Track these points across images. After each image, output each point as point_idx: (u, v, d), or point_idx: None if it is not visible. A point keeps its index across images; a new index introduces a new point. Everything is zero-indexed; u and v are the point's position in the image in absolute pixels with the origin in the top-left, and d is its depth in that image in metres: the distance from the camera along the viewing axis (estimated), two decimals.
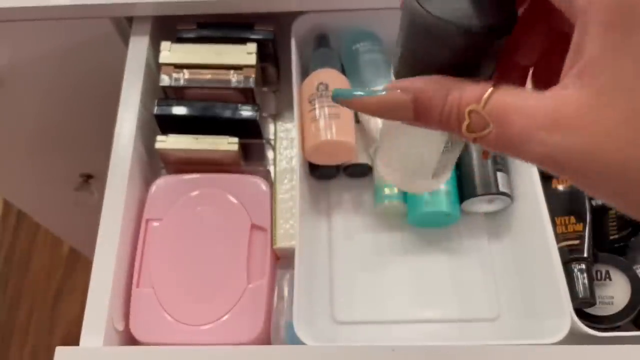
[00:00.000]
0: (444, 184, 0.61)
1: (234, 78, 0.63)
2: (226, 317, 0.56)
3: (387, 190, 0.63)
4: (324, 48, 0.67)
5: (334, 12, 0.67)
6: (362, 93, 0.29)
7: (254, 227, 0.60)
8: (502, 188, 0.61)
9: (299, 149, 0.62)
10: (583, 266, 0.57)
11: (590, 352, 0.50)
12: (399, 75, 0.30)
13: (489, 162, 0.62)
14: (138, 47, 0.67)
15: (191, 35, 0.67)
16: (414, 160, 0.36)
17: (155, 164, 0.66)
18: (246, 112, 0.63)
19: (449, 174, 0.37)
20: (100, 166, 0.63)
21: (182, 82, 0.64)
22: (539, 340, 0.51)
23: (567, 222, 0.60)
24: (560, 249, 0.56)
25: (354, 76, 0.65)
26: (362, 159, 0.65)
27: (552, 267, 0.55)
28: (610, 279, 0.58)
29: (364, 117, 0.63)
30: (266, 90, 0.71)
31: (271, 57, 0.69)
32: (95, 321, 0.52)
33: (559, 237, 0.59)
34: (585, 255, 0.58)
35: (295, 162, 0.63)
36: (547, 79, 0.27)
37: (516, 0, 0.28)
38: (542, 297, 0.57)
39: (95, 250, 0.56)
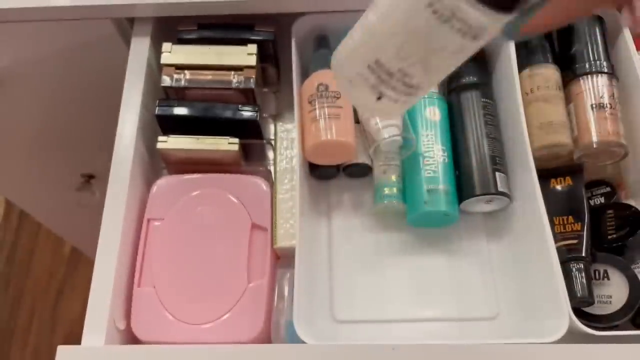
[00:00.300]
0: (443, 184, 0.62)
1: (234, 79, 0.64)
2: (227, 316, 0.56)
3: (386, 190, 0.64)
4: (324, 49, 0.67)
5: (334, 13, 0.67)
6: None
7: (254, 226, 0.60)
8: (500, 188, 0.61)
9: (299, 149, 0.62)
10: (581, 265, 0.57)
11: (588, 351, 0.50)
12: None
13: (488, 162, 0.62)
14: (139, 48, 0.67)
15: (192, 36, 0.67)
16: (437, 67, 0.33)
17: (156, 164, 0.67)
18: (247, 113, 0.63)
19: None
20: (101, 166, 0.63)
21: (183, 83, 0.64)
22: (537, 339, 0.52)
23: (565, 221, 0.60)
24: (559, 249, 0.56)
25: None
26: (362, 159, 0.65)
27: (551, 266, 0.55)
28: (608, 279, 0.58)
29: (364, 117, 0.63)
30: (266, 90, 0.71)
31: (271, 58, 0.69)
32: (97, 320, 0.53)
33: (557, 237, 0.59)
34: (584, 254, 0.58)
35: (296, 162, 0.63)
36: None
37: None
38: (540, 297, 0.57)
39: (97, 250, 0.56)
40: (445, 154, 0.63)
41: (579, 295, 0.56)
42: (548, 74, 0.64)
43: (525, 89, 0.64)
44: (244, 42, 0.65)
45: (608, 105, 0.62)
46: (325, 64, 0.65)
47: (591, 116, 0.62)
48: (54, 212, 1.22)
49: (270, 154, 0.68)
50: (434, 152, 0.63)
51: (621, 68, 0.65)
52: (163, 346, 0.53)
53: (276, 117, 0.70)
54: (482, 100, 0.66)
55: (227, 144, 0.62)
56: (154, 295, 0.57)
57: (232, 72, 0.64)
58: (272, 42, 0.67)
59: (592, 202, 0.65)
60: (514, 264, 0.63)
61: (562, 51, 0.67)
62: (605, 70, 0.63)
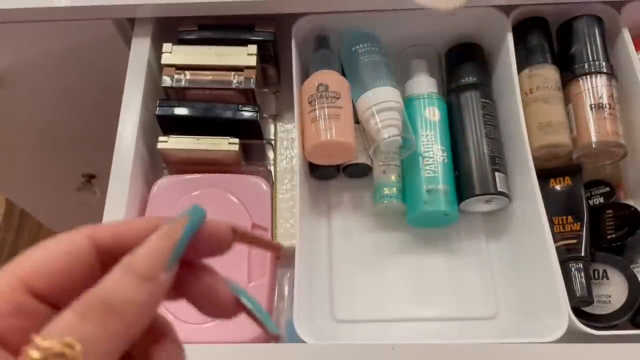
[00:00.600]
0: (443, 184, 0.62)
1: (234, 79, 0.64)
2: None
3: (386, 190, 0.64)
4: (324, 49, 0.67)
5: (334, 13, 0.67)
6: None
7: (254, 226, 0.60)
8: (500, 188, 0.62)
9: (299, 149, 0.62)
10: (580, 265, 0.57)
11: (587, 350, 0.50)
12: None
13: (487, 162, 0.63)
14: (140, 48, 0.67)
15: (192, 36, 0.68)
16: None
17: (156, 164, 0.67)
18: (247, 113, 0.63)
19: None
20: (102, 166, 0.63)
21: (183, 83, 0.64)
22: (536, 339, 0.52)
23: (564, 221, 0.61)
24: (558, 248, 0.56)
25: (353, 77, 0.65)
26: (362, 159, 0.65)
27: (550, 266, 0.55)
28: (607, 278, 0.59)
29: (364, 118, 0.63)
30: (267, 91, 0.72)
31: (272, 58, 0.69)
32: None
33: (556, 237, 0.59)
34: (583, 254, 0.58)
35: (296, 162, 0.63)
36: None
37: None
38: (539, 296, 0.57)
39: None
40: (445, 154, 0.63)
41: (578, 294, 0.56)
42: (547, 74, 0.64)
43: (525, 89, 0.64)
44: (244, 42, 0.65)
45: (607, 106, 0.62)
46: (326, 64, 0.65)
47: (590, 116, 0.62)
48: (55, 211, 1.22)
49: (270, 154, 0.68)
50: (433, 152, 0.63)
51: (620, 68, 0.65)
52: None
53: (276, 117, 0.70)
54: (482, 100, 0.66)
55: (227, 144, 0.62)
56: None
57: (233, 73, 0.64)
58: (272, 42, 0.67)
59: (591, 202, 0.65)
60: (514, 263, 0.63)
61: (561, 51, 0.67)
62: (605, 70, 0.63)
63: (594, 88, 0.62)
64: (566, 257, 0.58)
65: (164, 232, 0.25)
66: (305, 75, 0.66)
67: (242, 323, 0.57)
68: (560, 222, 0.61)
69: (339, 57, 0.68)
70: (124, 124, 0.63)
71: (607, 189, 0.65)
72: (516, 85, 0.63)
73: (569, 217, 0.61)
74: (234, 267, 0.58)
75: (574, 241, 0.59)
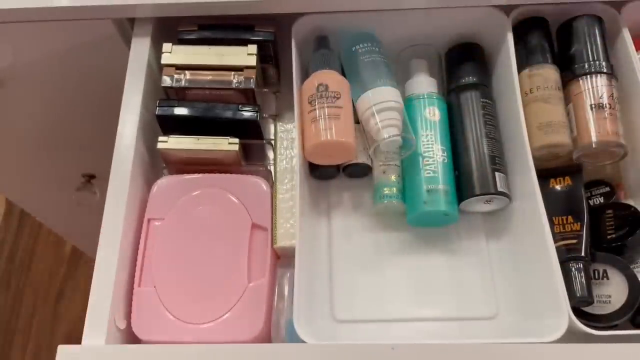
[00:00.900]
0: (443, 184, 0.62)
1: (234, 79, 0.64)
2: (227, 315, 0.56)
3: (386, 190, 0.64)
4: (324, 49, 0.67)
5: (333, 13, 0.67)
6: None
7: (254, 226, 0.60)
8: (500, 188, 0.62)
9: (299, 149, 0.62)
10: (580, 265, 0.57)
11: (587, 350, 0.50)
12: None
13: (487, 162, 0.63)
14: (140, 48, 0.67)
15: (192, 36, 0.68)
16: None
17: (156, 164, 0.67)
18: (247, 113, 0.63)
19: None
20: (102, 166, 0.63)
21: (183, 83, 0.64)
22: (537, 339, 0.52)
23: (564, 221, 0.61)
24: (558, 249, 0.56)
25: (353, 77, 0.65)
26: (362, 159, 0.65)
27: (550, 266, 0.55)
28: (607, 278, 0.59)
29: (364, 117, 0.63)
30: (267, 91, 0.72)
31: (271, 58, 0.69)
32: (98, 320, 0.53)
33: (556, 237, 0.59)
34: (583, 254, 0.58)
35: (296, 162, 0.63)
36: None
37: None
38: (540, 296, 0.57)
39: (98, 250, 0.56)
40: (445, 154, 0.63)
41: (578, 294, 0.56)
42: (547, 74, 0.64)
43: (525, 89, 0.64)
44: (244, 42, 0.65)
45: (607, 106, 0.62)
46: (326, 64, 0.65)
47: (590, 116, 0.62)
48: (54, 212, 1.22)
49: (270, 154, 0.68)
50: (433, 152, 0.63)
51: (620, 68, 0.65)
52: (163, 346, 0.54)
53: (276, 117, 0.70)
54: (482, 100, 0.66)
55: (227, 144, 0.62)
56: (154, 294, 0.57)
57: (232, 73, 0.64)
58: (272, 42, 0.67)
59: (591, 202, 0.65)
60: (514, 263, 0.63)
61: (561, 51, 0.67)
62: (605, 70, 0.63)
63: (594, 88, 0.62)
64: (566, 257, 0.58)
65: None
66: (305, 75, 0.66)
67: (242, 323, 0.57)
68: (560, 222, 0.61)
69: (339, 57, 0.68)
70: (124, 124, 0.63)
71: (607, 189, 0.65)
72: (516, 85, 0.63)
73: (569, 217, 0.61)
74: (233, 267, 0.58)
75: (574, 241, 0.59)
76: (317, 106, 0.61)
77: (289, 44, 0.66)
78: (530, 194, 0.59)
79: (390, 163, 0.65)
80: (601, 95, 0.62)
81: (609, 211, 0.61)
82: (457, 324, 0.61)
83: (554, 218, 0.60)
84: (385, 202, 0.64)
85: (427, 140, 0.64)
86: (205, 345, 0.53)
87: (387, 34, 0.68)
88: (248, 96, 0.65)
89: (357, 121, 0.64)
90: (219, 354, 0.52)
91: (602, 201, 0.65)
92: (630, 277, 0.57)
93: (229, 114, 0.64)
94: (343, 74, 0.66)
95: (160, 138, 0.63)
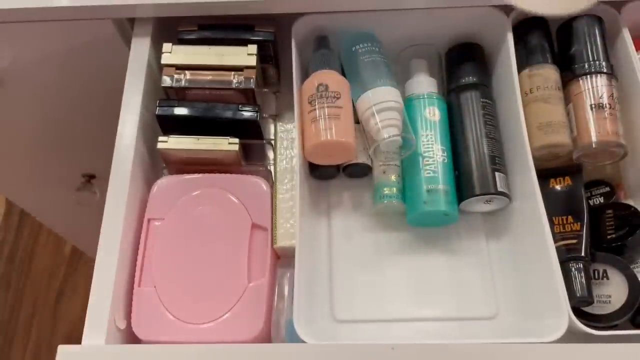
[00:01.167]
0: (443, 184, 0.62)
1: (234, 79, 0.64)
2: (227, 315, 0.56)
3: (386, 190, 0.64)
4: (324, 49, 0.67)
5: (333, 13, 0.67)
6: None
7: (254, 226, 0.60)
8: (500, 188, 0.62)
9: (299, 149, 0.62)
10: (580, 265, 0.57)
11: (587, 350, 0.50)
12: None
13: (487, 162, 0.63)
14: (140, 48, 0.67)
15: (192, 36, 0.68)
16: None
17: (156, 164, 0.67)
18: (247, 113, 0.63)
19: None
20: (102, 166, 0.63)
21: (183, 83, 0.64)
22: (537, 339, 0.52)
23: (564, 221, 0.61)
24: (558, 249, 0.56)
25: (353, 77, 0.65)
26: (362, 159, 0.66)
27: (550, 266, 0.55)
28: (607, 278, 0.59)
29: (364, 117, 0.63)
30: (267, 91, 0.72)
31: (272, 58, 0.69)
32: (98, 320, 0.53)
33: (556, 237, 0.59)
34: (583, 254, 0.58)
35: (296, 162, 0.63)
36: None
37: None
38: (540, 296, 0.57)
39: (98, 250, 0.56)
40: (445, 154, 0.63)
41: (578, 294, 0.56)
42: (547, 74, 0.64)
43: (525, 89, 0.64)
44: (244, 42, 0.65)
45: (607, 106, 0.62)
46: (326, 64, 0.65)
47: (590, 116, 0.62)
48: (54, 211, 1.22)
49: (270, 154, 0.68)
50: (433, 152, 0.63)
51: (620, 68, 0.65)
52: (163, 346, 0.54)
53: (276, 117, 0.70)
54: (482, 100, 0.66)
55: (227, 144, 0.62)
56: (154, 294, 0.57)
57: (232, 73, 0.64)
58: (272, 42, 0.67)
59: (591, 202, 0.65)
60: (514, 263, 0.63)
61: (561, 51, 0.67)
62: (605, 70, 0.63)
63: (594, 88, 0.63)
64: (566, 257, 0.58)
65: None
66: (305, 75, 0.66)
67: (242, 323, 0.57)
68: (560, 222, 0.61)
69: (339, 57, 0.68)
70: (124, 124, 0.63)
71: (607, 189, 0.65)
72: (516, 85, 0.63)
73: (569, 217, 0.61)
74: (233, 267, 0.58)
75: (574, 241, 0.59)
76: (317, 106, 0.61)
77: (289, 44, 0.66)
78: (530, 194, 0.59)
79: (390, 163, 0.65)
80: (601, 95, 0.62)
81: (609, 211, 0.61)
82: (457, 324, 0.61)
83: (554, 218, 0.61)
84: (385, 202, 0.64)
85: (427, 140, 0.64)
86: (205, 345, 0.53)
87: (387, 34, 0.68)
88: (248, 96, 0.65)
89: (357, 121, 0.64)
90: (219, 354, 0.52)
91: (602, 201, 0.65)
92: (630, 277, 0.57)
93: (229, 114, 0.64)
94: (343, 74, 0.66)
95: (160, 138, 0.63)
